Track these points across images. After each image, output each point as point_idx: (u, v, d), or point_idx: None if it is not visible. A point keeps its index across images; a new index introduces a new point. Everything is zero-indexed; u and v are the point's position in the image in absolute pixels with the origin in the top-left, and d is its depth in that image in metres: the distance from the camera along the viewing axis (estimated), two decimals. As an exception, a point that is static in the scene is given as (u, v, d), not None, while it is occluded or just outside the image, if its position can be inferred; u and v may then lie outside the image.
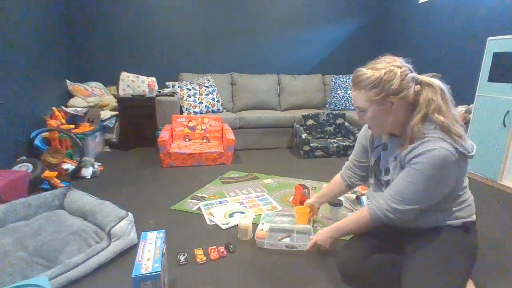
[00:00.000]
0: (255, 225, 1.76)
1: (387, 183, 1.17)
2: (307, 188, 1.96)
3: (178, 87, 3.50)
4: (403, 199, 1.04)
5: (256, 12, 4.05)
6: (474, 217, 1.14)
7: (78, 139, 2.50)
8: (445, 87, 1.08)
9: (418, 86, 1.06)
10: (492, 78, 2.44)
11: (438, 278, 1.00)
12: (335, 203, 1.85)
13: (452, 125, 1.01)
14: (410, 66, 1.07)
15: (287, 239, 1.60)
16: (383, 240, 1.24)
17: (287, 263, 1.45)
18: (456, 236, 1.09)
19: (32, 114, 2.66)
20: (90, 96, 3.35)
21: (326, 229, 1.34)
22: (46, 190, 2.00)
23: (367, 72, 1.06)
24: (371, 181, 1.34)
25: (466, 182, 1.12)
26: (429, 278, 1.00)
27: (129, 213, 1.59)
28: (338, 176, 1.56)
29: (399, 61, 1.06)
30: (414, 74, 1.07)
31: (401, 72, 1.03)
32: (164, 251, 1.15)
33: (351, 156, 1.49)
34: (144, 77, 3.72)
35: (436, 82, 1.08)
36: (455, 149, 0.98)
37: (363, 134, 1.38)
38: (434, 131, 1.01)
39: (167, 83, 3.65)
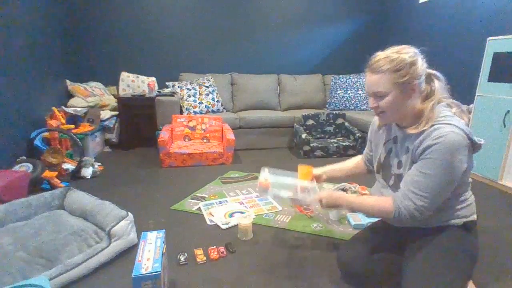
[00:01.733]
0: (255, 225, 1.76)
1: (399, 176, 1.15)
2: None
3: (178, 87, 3.50)
4: (427, 193, 1.01)
5: (256, 12, 4.05)
6: (475, 217, 1.14)
7: (78, 139, 2.50)
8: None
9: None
10: (492, 78, 2.44)
11: (439, 278, 1.00)
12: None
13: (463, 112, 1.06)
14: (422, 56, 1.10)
15: (290, 193, 1.41)
16: (385, 240, 1.24)
17: (287, 262, 1.45)
18: (457, 236, 1.09)
19: (32, 114, 2.66)
20: (90, 96, 3.35)
21: (336, 196, 1.24)
22: (46, 190, 2.00)
23: (391, 54, 1.04)
24: (378, 177, 1.31)
25: (469, 179, 1.12)
26: (430, 278, 1.00)
27: (129, 213, 1.59)
28: (360, 158, 1.50)
29: (413, 48, 1.08)
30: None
31: (421, 58, 1.05)
32: (164, 251, 1.15)
33: (366, 149, 1.46)
34: (144, 77, 3.72)
35: (440, 74, 1.12)
36: (466, 135, 0.99)
37: (370, 130, 1.37)
38: (445, 117, 1.02)
39: (167, 83, 3.65)
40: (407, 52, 1.04)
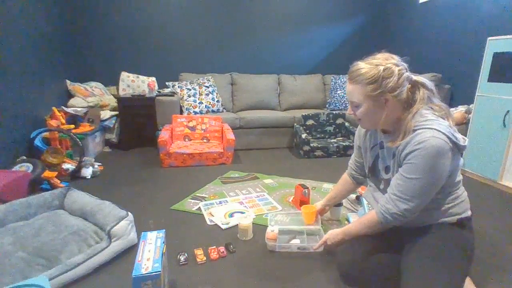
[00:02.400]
0: (255, 225, 1.76)
1: (388, 181, 1.17)
2: (307, 188, 1.96)
3: (178, 87, 3.50)
4: (409, 197, 1.04)
5: (256, 12, 4.05)
6: (469, 213, 1.14)
7: (78, 139, 2.50)
8: (435, 89, 1.12)
9: (409, 85, 1.08)
10: (492, 78, 2.44)
11: (437, 276, 1.00)
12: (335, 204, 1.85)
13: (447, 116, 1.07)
14: (405, 65, 1.09)
15: (298, 241, 1.59)
16: (383, 241, 1.24)
17: (287, 263, 1.45)
18: (452, 233, 1.10)
19: (32, 114, 2.66)
20: (90, 96, 3.35)
21: (337, 231, 1.33)
22: (46, 190, 2.00)
23: (365, 67, 1.06)
24: (369, 181, 1.34)
25: (459, 177, 1.13)
26: (427, 277, 1.00)
27: (129, 213, 1.59)
28: (345, 175, 1.56)
29: (396, 59, 1.08)
30: (409, 74, 1.09)
31: (398, 70, 1.05)
32: (164, 251, 1.15)
33: (353, 156, 1.50)
34: (144, 77, 3.72)
35: (429, 82, 1.11)
36: (448, 138, 0.99)
37: (357, 135, 1.39)
38: (427, 120, 1.02)
39: (167, 83, 3.65)
40: (384, 65, 1.04)
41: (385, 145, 1.19)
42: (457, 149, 1.03)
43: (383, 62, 1.05)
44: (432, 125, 1.00)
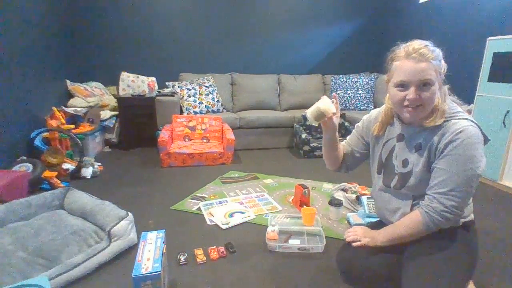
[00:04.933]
0: (255, 225, 1.76)
1: (405, 176, 1.12)
2: (307, 188, 1.96)
3: (178, 87, 3.50)
4: (455, 192, 0.98)
5: (256, 12, 4.05)
6: (472, 216, 1.14)
7: (78, 139, 2.50)
8: None
9: None
10: (492, 78, 2.44)
11: (439, 278, 0.99)
12: (335, 203, 1.85)
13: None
14: None
15: (297, 241, 1.58)
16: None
17: (287, 263, 1.45)
18: (457, 236, 1.09)
19: (32, 114, 2.66)
20: (90, 96, 3.35)
21: (376, 234, 1.19)
22: (46, 190, 2.00)
23: (429, 45, 1.06)
24: (379, 179, 1.25)
25: None
26: (430, 278, 1.00)
27: (129, 213, 1.59)
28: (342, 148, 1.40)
29: None
30: None
31: None
32: (164, 251, 1.15)
33: (348, 141, 1.39)
34: (144, 77, 3.71)
35: None
36: (480, 129, 1.00)
37: (365, 127, 1.31)
38: (458, 112, 1.04)
39: (167, 83, 3.65)
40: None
41: (405, 137, 1.13)
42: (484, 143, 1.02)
43: (429, 44, 1.05)
44: (464, 116, 1.01)
